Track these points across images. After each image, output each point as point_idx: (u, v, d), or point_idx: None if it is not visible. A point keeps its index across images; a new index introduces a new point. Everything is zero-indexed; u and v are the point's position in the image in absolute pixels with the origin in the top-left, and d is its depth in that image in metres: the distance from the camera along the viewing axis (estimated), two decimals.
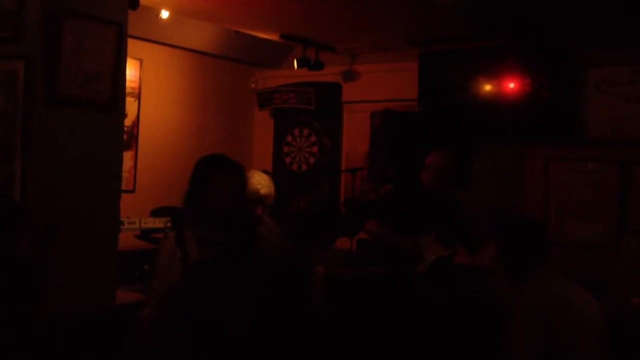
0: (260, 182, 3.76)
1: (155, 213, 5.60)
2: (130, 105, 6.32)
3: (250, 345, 2.14)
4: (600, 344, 2.79)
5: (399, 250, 4.36)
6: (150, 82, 6.65)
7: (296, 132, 7.63)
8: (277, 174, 7.39)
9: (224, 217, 2.58)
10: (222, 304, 2.17)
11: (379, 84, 6.95)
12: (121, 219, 4.40)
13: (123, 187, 4.13)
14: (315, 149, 7.51)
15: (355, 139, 7.20)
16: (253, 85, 7.82)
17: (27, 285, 2.70)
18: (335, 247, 6.11)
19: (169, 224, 5.36)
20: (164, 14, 5.79)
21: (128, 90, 6.00)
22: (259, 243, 2.69)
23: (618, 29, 5.42)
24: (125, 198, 4.09)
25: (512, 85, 5.82)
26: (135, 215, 5.37)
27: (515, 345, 2.71)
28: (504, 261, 2.95)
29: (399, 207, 4.45)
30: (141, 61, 6.50)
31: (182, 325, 2.18)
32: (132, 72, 6.31)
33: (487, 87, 5.97)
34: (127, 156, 6.21)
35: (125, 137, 5.85)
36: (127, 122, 6.28)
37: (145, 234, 5.35)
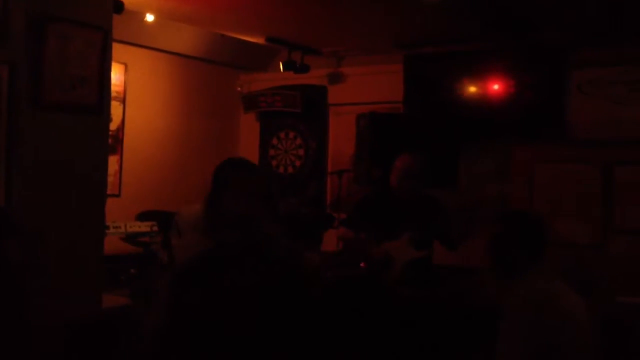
0: None
1: (141, 217, 5.58)
2: (115, 109, 6.29)
3: (252, 346, 2.15)
4: (592, 344, 2.78)
5: (369, 257, 4.39)
6: (135, 86, 6.63)
7: (282, 135, 7.64)
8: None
9: (242, 220, 2.54)
10: (222, 304, 2.18)
11: (365, 87, 6.97)
12: (107, 223, 4.38)
13: (108, 192, 4.12)
14: (301, 152, 7.52)
15: (341, 141, 7.21)
16: (239, 88, 7.82)
17: (15, 289, 2.69)
18: (322, 249, 6.11)
19: (154, 228, 5.37)
20: (149, 18, 5.78)
21: (113, 94, 5.96)
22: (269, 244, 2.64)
23: (602, 30, 5.47)
24: (110, 202, 4.08)
25: (496, 86, 5.86)
26: (121, 219, 5.35)
27: (507, 344, 2.70)
28: (500, 256, 2.84)
29: (375, 211, 4.49)
30: (126, 65, 6.48)
31: (182, 327, 2.18)
32: (117, 76, 6.29)
33: (472, 89, 6.00)
34: (112, 160, 6.18)
35: (110, 141, 5.82)
36: (112, 126, 6.25)
37: (131, 238, 5.33)
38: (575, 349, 2.68)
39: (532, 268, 2.79)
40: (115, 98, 6.29)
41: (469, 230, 4.46)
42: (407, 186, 4.44)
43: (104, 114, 3.84)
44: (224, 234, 2.51)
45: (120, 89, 6.46)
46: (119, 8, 4.72)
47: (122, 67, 6.42)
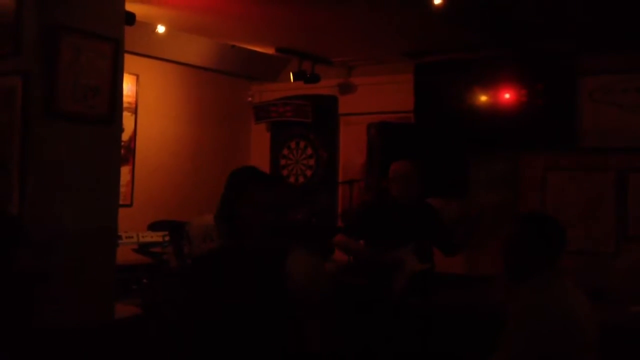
0: None
1: (153, 227, 5.60)
2: (127, 119, 6.33)
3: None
4: (595, 353, 2.76)
5: (378, 263, 4.37)
6: (147, 97, 6.67)
7: (293, 144, 7.65)
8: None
9: (266, 230, 2.55)
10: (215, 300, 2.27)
11: (375, 96, 6.98)
12: (119, 233, 4.40)
13: (120, 202, 4.13)
14: (312, 162, 7.53)
15: (352, 151, 7.22)
16: (249, 98, 7.85)
17: (25, 297, 2.71)
18: (334, 259, 6.11)
19: (166, 238, 5.38)
20: (160, 29, 5.82)
21: (125, 105, 6.02)
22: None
23: (613, 37, 5.46)
24: (122, 212, 4.09)
25: (507, 95, 5.85)
26: (133, 229, 5.38)
27: (512, 346, 2.67)
28: (515, 258, 2.80)
29: (373, 218, 4.47)
30: (138, 76, 6.53)
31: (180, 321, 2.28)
32: (128, 87, 6.34)
33: (483, 98, 6.00)
34: (125, 170, 6.22)
35: (122, 151, 5.85)
36: (124, 136, 6.30)
37: (143, 248, 5.36)
38: (580, 356, 2.65)
39: (546, 272, 2.76)
40: (127, 109, 6.34)
41: (467, 239, 4.46)
42: (402, 190, 4.43)
43: (116, 124, 3.87)
44: (239, 241, 2.52)
45: (132, 99, 6.51)
46: (131, 19, 4.77)
47: (134, 78, 6.47)
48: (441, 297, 4.51)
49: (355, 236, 4.54)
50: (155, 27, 5.79)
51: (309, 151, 7.55)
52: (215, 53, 6.92)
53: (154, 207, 6.46)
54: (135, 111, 6.57)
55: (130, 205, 6.43)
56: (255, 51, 6.68)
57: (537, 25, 5.28)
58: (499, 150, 6.10)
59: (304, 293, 2.46)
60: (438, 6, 4.62)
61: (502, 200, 6.03)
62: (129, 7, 4.52)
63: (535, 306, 2.68)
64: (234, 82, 7.63)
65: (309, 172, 7.54)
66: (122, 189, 6.11)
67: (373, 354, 4.24)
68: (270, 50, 6.58)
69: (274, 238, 2.53)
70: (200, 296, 2.40)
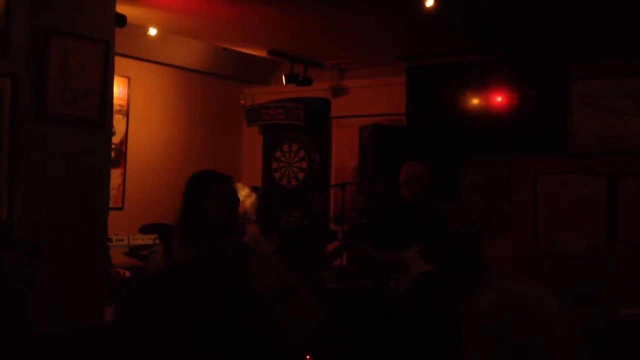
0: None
1: (144, 230, 5.57)
2: (119, 122, 6.31)
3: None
4: (564, 345, 2.70)
5: (383, 265, 4.35)
6: (138, 100, 6.65)
7: (285, 147, 7.64)
8: (266, 189, 7.39)
9: (226, 231, 2.58)
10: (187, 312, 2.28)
11: (368, 99, 6.98)
12: (109, 236, 4.38)
13: (112, 205, 4.12)
14: (304, 164, 7.52)
15: (344, 153, 7.22)
16: (242, 101, 7.84)
17: (13, 302, 2.70)
18: (326, 261, 6.10)
19: (157, 241, 5.34)
20: (152, 32, 5.80)
21: (116, 107, 6.00)
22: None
23: (604, 42, 5.47)
24: (113, 215, 4.08)
25: (499, 99, 5.86)
26: (124, 232, 5.35)
27: (473, 350, 2.64)
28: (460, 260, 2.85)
29: (383, 223, 4.43)
30: (129, 79, 6.51)
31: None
32: (120, 89, 6.32)
33: (475, 101, 6.00)
34: (116, 173, 6.20)
35: (113, 154, 5.84)
36: (116, 139, 6.27)
37: (133, 251, 5.33)
38: (544, 352, 2.61)
39: (485, 277, 2.75)
40: (119, 111, 6.32)
41: None
42: (414, 193, 4.37)
43: (106, 126, 3.85)
44: (207, 243, 2.54)
45: (124, 102, 6.49)
46: (122, 21, 4.75)
47: (125, 80, 6.45)
48: (445, 299, 4.49)
49: (364, 239, 4.48)
50: (147, 30, 5.77)
51: (302, 154, 7.54)
52: (207, 56, 6.91)
53: (145, 210, 6.43)
54: (126, 114, 6.55)
55: (121, 209, 6.41)
56: (247, 54, 6.67)
57: (530, 30, 5.29)
58: (491, 153, 6.09)
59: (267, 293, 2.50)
60: (430, 10, 4.62)
61: (493, 204, 6.04)
62: (120, 9, 4.50)
63: (493, 304, 2.65)
64: (226, 85, 7.61)
65: (301, 175, 7.53)
66: (113, 192, 6.09)
67: (376, 354, 4.23)
68: (262, 53, 6.57)
69: (235, 235, 2.60)
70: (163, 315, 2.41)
